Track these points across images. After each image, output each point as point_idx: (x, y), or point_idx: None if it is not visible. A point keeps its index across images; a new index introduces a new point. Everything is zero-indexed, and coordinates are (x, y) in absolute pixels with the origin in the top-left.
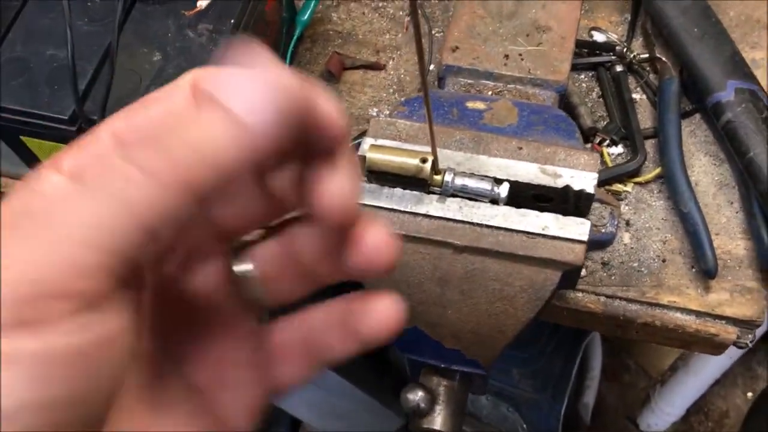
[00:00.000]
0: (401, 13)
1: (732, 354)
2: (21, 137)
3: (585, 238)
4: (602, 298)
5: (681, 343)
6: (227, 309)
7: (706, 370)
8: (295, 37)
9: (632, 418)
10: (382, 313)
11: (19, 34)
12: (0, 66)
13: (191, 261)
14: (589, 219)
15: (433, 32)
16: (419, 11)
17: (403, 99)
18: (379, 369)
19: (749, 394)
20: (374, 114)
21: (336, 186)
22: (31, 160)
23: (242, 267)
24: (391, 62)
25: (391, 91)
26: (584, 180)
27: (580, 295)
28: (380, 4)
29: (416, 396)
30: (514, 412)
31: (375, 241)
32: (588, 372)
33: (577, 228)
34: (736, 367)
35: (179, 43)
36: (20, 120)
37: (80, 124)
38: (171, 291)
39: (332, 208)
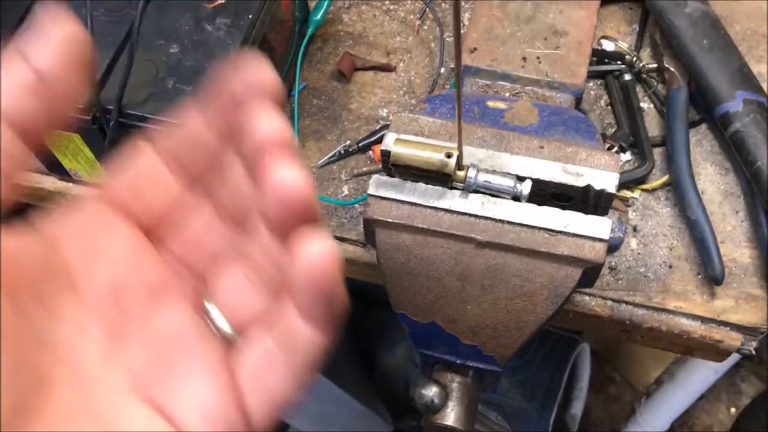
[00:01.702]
0: (412, 16)
1: (717, 369)
2: None
3: (606, 236)
4: (609, 302)
5: (685, 349)
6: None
7: (692, 384)
8: (307, 36)
9: (617, 430)
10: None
11: None
12: None
13: (156, 298)
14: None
15: (445, 36)
16: (432, 14)
17: (424, 96)
18: (368, 375)
19: (732, 410)
20: (384, 115)
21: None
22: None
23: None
24: (401, 64)
25: (402, 92)
26: (605, 180)
27: (587, 298)
28: (391, 7)
29: (430, 391)
30: (502, 421)
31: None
32: (576, 383)
33: (599, 226)
34: (720, 382)
35: (196, 36)
36: None
37: (95, 113)
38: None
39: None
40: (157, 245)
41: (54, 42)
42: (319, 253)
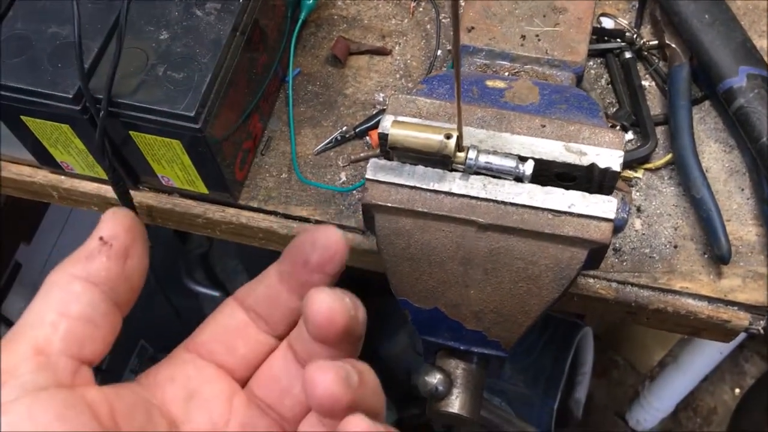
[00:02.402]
0: None
1: (721, 350)
2: (21, 117)
3: (612, 216)
4: (614, 284)
5: (691, 330)
6: None
7: (695, 366)
8: (300, 21)
9: (621, 414)
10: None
11: (20, 12)
12: (0, 43)
13: None
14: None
15: (441, 17)
16: None
17: (422, 77)
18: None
19: (737, 391)
20: (381, 99)
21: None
22: (32, 142)
23: None
24: (397, 47)
25: (398, 76)
26: (610, 158)
27: (591, 281)
28: None
29: (434, 379)
30: (506, 407)
31: None
32: (579, 367)
33: (604, 206)
34: (723, 363)
35: (186, 21)
36: (21, 99)
37: (85, 102)
38: None
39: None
40: (245, 390)
41: (113, 219)
42: None
